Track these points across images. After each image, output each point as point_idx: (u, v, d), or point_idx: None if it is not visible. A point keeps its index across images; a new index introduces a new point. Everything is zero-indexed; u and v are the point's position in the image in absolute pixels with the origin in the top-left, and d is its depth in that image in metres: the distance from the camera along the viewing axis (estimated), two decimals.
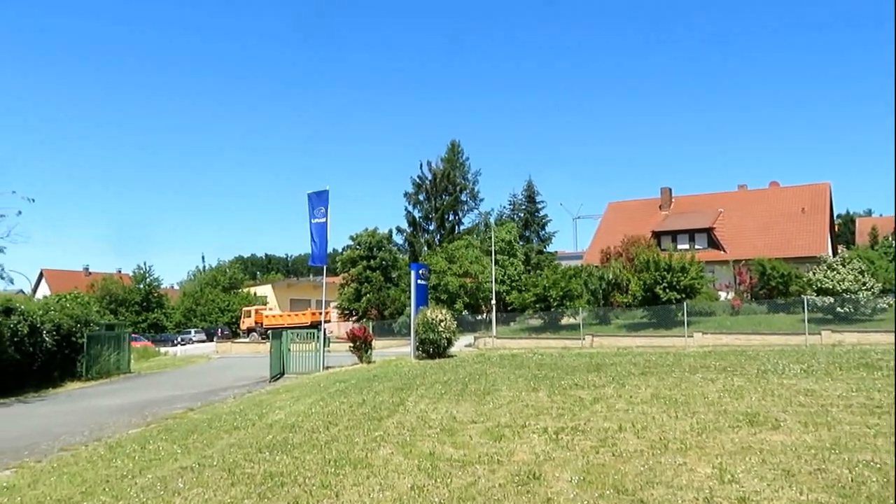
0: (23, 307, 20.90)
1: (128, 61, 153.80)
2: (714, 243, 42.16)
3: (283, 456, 7.88)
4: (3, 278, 19.50)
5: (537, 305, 36.94)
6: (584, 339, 33.44)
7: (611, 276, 36.76)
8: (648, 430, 8.14)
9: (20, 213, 20.05)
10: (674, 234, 43.05)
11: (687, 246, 41.66)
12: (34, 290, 68.41)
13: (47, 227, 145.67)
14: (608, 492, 5.71)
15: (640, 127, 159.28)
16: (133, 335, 55.69)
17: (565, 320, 37.69)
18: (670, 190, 48.64)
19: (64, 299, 24.87)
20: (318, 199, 24.89)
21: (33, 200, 21.54)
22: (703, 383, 12.19)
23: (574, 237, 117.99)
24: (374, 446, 8.13)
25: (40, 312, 21.57)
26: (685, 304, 31.33)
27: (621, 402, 10.50)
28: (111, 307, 61.26)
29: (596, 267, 39.47)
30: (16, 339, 19.85)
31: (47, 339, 21.47)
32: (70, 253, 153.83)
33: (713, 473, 5.99)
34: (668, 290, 33.08)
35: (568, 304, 35.97)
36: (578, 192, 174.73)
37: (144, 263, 68.28)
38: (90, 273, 77.40)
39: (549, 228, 57.80)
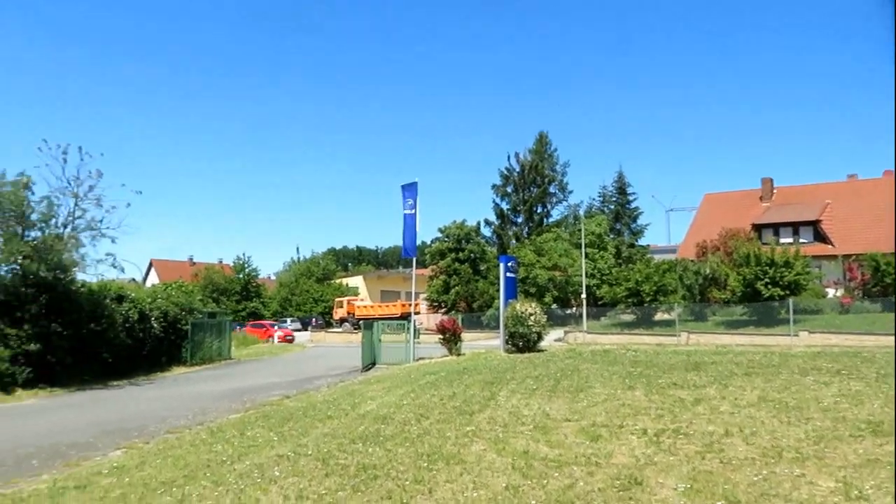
0: (133, 295, 22.16)
1: (229, 61, 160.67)
2: (821, 237, 39.63)
3: (376, 448, 7.89)
4: (115, 267, 20.77)
5: (629, 300, 35.87)
6: (679, 335, 32.24)
7: (707, 271, 35.23)
8: (758, 437, 7.63)
9: (129, 205, 21.35)
10: (776, 227, 40.73)
11: (791, 240, 39.36)
12: (144, 279, 72.73)
13: (156, 220, 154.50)
14: (719, 503, 5.35)
15: (739, 115, 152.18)
16: (240, 322, 58.71)
17: (659, 316, 36.46)
18: (772, 180, 46.06)
19: (170, 288, 26.24)
20: (409, 191, 25.08)
21: (140, 193, 22.95)
22: (816, 387, 11.40)
23: (667, 230, 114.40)
24: (467, 441, 8.01)
25: (149, 300, 22.81)
26: (790, 301, 29.56)
27: (725, 405, 9.95)
28: (213, 296, 64.19)
29: (692, 261, 37.92)
30: (127, 325, 21.08)
31: (155, 325, 22.69)
32: (177, 244, 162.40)
33: (837, 488, 5.49)
34: (770, 287, 31.33)
35: (662, 299, 34.74)
36: (671, 183, 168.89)
37: (244, 254, 71.24)
38: (194, 263, 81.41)
39: (640, 221, 56.16)
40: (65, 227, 19.63)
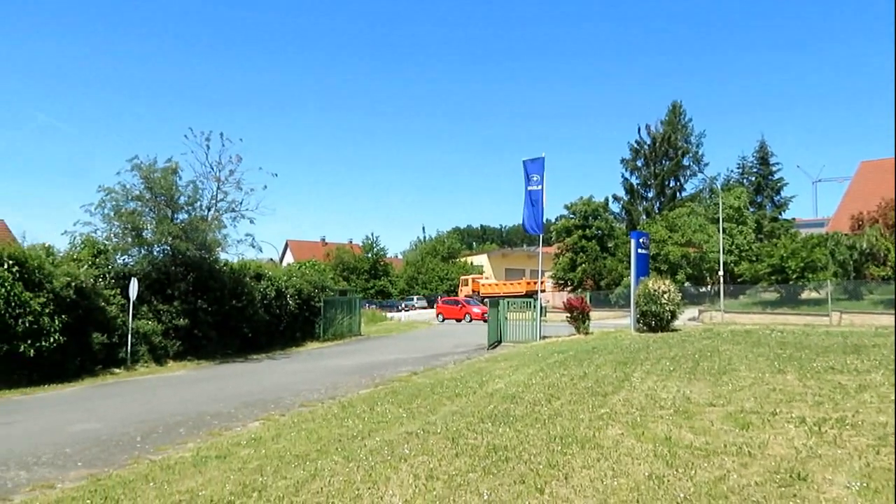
0: (270, 273, 23.23)
1: (351, 50, 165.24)
2: None
3: (506, 428, 7.61)
4: (253, 247, 21.87)
5: (772, 277, 33.48)
6: (829, 315, 29.67)
7: (864, 245, 32.07)
8: None
9: (265, 187, 22.27)
10: None
11: None
12: (281, 259, 76.72)
13: (291, 202, 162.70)
14: None
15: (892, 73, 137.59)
16: (368, 300, 60.74)
17: (805, 295, 33.79)
18: None
19: (304, 266, 27.34)
20: (533, 167, 24.52)
21: (276, 175, 23.89)
22: None
23: (813, 203, 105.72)
24: (602, 425, 7.55)
25: (284, 278, 23.83)
26: None
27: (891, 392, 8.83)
28: (343, 274, 66.70)
29: (845, 235, 34.69)
30: (265, 302, 22.14)
31: (290, 302, 23.70)
32: (310, 225, 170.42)
33: None
34: None
35: (810, 276, 32.12)
36: (820, 153, 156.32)
37: (372, 234, 73.46)
38: (326, 243, 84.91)
39: (784, 193, 52.14)
40: (208, 209, 20.84)
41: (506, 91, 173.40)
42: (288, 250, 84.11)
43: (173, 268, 19.58)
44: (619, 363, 13.30)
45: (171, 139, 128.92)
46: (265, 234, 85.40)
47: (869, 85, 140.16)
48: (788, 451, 6.13)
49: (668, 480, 5.44)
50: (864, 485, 5.07)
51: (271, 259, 59.39)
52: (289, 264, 30.62)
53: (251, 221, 21.53)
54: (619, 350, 15.97)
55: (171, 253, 19.94)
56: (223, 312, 19.85)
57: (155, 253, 20.33)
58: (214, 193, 21.14)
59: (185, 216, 20.79)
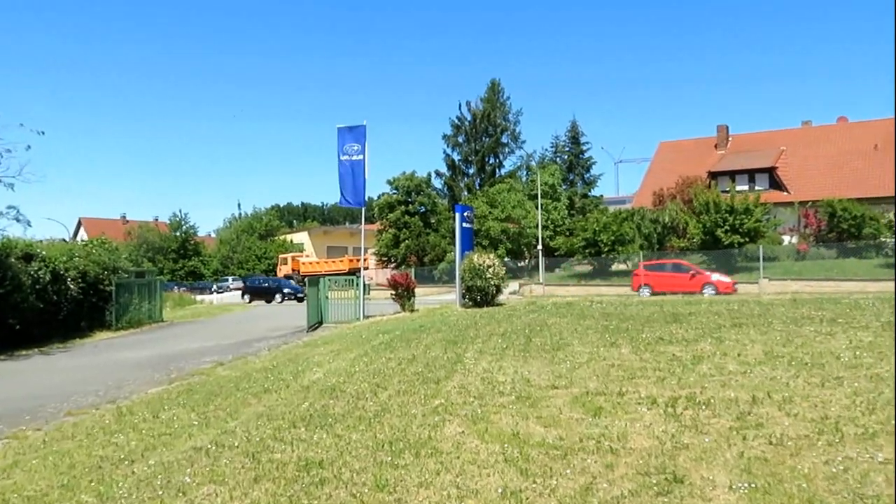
0: (44, 253, 19.56)
1: (165, 8, 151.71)
2: (776, 184, 39.09)
3: (323, 434, 6.18)
4: (18, 221, 18.12)
5: (586, 251, 34.78)
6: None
7: (667, 220, 34.31)
8: (795, 404, 6.22)
9: (29, 147, 18.41)
10: (732, 175, 39.90)
11: (746, 187, 38.64)
12: (73, 239, 68.33)
13: (86, 177, 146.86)
14: None
15: (692, 62, 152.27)
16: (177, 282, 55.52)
17: (615, 266, 35.56)
18: (727, 128, 45.25)
19: (90, 245, 23.59)
20: (351, 135, 22.92)
21: (43, 133, 19.75)
22: (821, 339, 10.17)
23: (615, 182, 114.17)
24: (438, 421, 6.37)
25: (63, 259, 20.19)
26: (760, 247, 28.64)
27: (731, 363, 8.58)
28: (148, 255, 60.75)
29: (649, 210, 36.97)
30: (37, 287, 18.54)
31: (72, 286, 20.16)
32: (109, 202, 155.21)
33: None
34: (730, 234, 30.69)
35: (620, 249, 33.72)
36: (624, 133, 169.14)
37: (180, 211, 67.40)
38: (127, 221, 77.01)
39: (593, 171, 54.90)
40: None
41: (324, 64, 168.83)
42: (82, 229, 75.37)
43: None
44: (449, 342, 12.33)
45: None
46: (54, 212, 75.80)
47: (670, 69, 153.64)
48: (652, 444, 5.30)
49: (527, 497, 4.33)
50: (750, 484, 4.27)
51: (63, 239, 52.38)
52: (70, 242, 26.38)
53: (11, 188, 17.83)
54: (448, 327, 15.08)
55: None
56: None
57: None
58: None
59: None
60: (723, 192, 34.09)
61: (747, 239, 30.62)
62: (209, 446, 6.00)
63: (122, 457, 5.96)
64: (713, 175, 40.19)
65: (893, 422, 5.89)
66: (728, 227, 30.53)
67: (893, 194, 31.56)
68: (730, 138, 45.07)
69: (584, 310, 17.97)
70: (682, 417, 6.02)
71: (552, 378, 8.25)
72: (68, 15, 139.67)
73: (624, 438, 5.46)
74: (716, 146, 44.73)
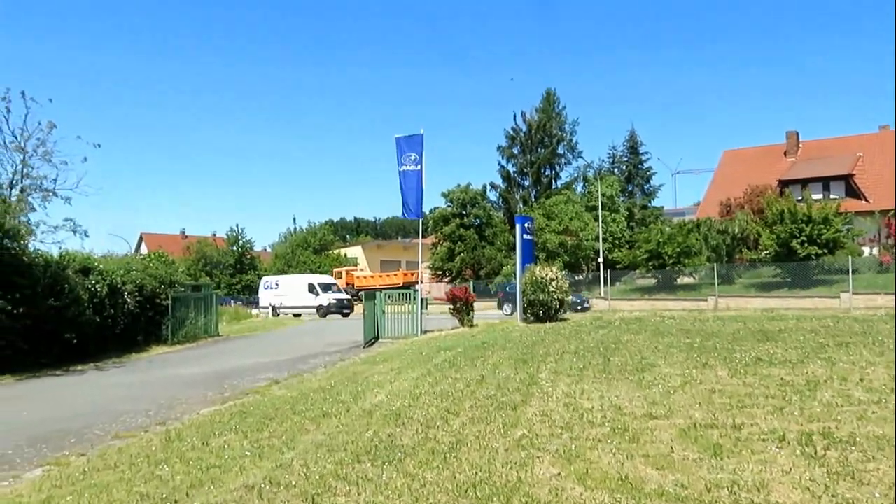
0: (101, 266, 19.40)
1: (219, 23, 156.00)
2: (854, 192, 36.86)
3: (392, 471, 5.31)
4: (75, 233, 17.97)
5: (650, 263, 33.31)
6: (707, 300, 29.78)
7: (736, 230, 32.60)
8: None
9: (86, 159, 18.37)
10: (804, 183, 37.80)
11: (820, 196, 36.60)
12: (135, 253, 69.93)
13: (148, 193, 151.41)
14: None
15: (756, 68, 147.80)
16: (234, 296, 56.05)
17: (681, 280, 33.98)
18: (797, 134, 43.10)
19: (147, 259, 23.46)
20: (409, 145, 22.26)
21: (99, 146, 19.77)
22: None
23: (673, 193, 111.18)
24: (525, 458, 5.42)
25: (121, 272, 20.03)
26: (850, 259, 26.65)
27: (857, 390, 7.39)
28: (206, 269, 61.60)
29: (716, 220, 35.28)
30: (95, 301, 18.33)
31: (129, 300, 19.94)
32: (169, 218, 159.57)
33: None
34: (806, 245, 28.82)
35: (686, 261, 32.18)
36: (677, 145, 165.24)
37: (237, 225, 68.31)
38: (186, 236, 78.53)
39: (653, 182, 53.26)
40: (11, 186, 16.91)
41: (379, 79, 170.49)
42: (143, 244, 77.08)
43: None
44: (518, 361, 11.38)
45: None
46: (115, 227, 77.93)
47: (731, 75, 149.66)
48: (803, 497, 4.25)
49: None
50: None
51: (126, 255, 53.49)
52: (127, 255, 26.42)
53: (67, 201, 17.69)
54: (513, 345, 14.12)
55: None
56: (36, 315, 15.94)
57: None
58: (18, 168, 17.15)
59: None
60: (798, 201, 32.22)
61: (825, 250, 28.73)
62: (262, 484, 5.19)
63: (165, 496, 5.20)
64: (783, 183, 38.22)
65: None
66: (804, 238, 28.70)
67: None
68: (800, 145, 42.90)
69: (657, 326, 16.78)
70: (827, 460, 4.94)
71: (646, 405, 7.22)
72: (129, 32, 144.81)
73: (763, 489, 4.42)
74: (785, 153, 42.64)
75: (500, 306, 32.71)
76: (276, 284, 42.09)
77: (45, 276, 16.70)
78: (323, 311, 21.13)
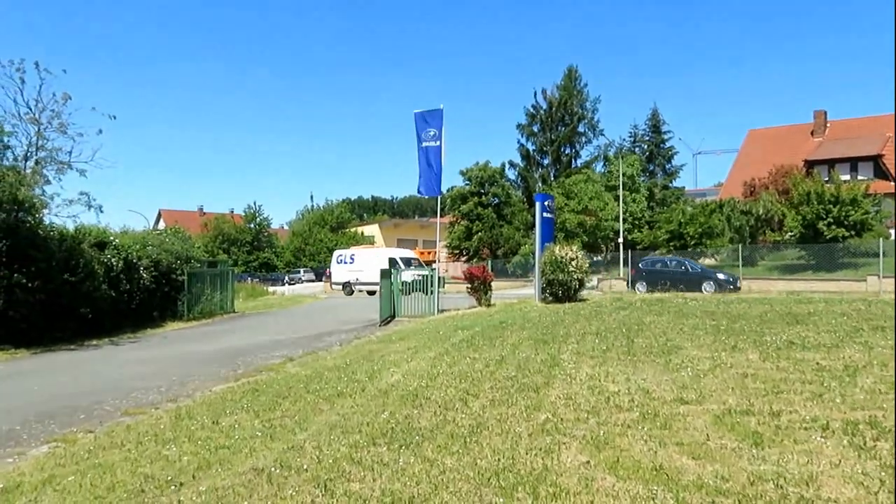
0: (117, 241, 19.24)
1: (229, 3, 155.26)
2: (882, 173, 35.93)
3: (410, 456, 5.01)
4: (91, 208, 17.74)
5: (671, 244, 32.73)
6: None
7: (760, 211, 31.88)
8: None
9: (101, 131, 17.95)
10: (832, 163, 36.90)
11: (848, 176, 35.69)
12: (153, 229, 70.19)
13: (167, 170, 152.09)
14: None
15: (782, 46, 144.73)
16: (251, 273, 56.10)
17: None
18: (825, 113, 41.98)
19: (164, 234, 23.33)
20: (429, 120, 21.83)
21: (114, 118, 19.08)
22: None
23: (694, 174, 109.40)
24: (551, 444, 5.11)
25: (137, 247, 19.87)
26: (881, 241, 25.69)
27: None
28: (223, 246, 61.71)
29: (740, 201, 34.54)
30: (111, 275, 18.20)
31: (145, 275, 19.79)
32: (188, 195, 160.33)
33: None
34: (833, 227, 28.06)
35: (708, 242, 31.56)
36: (699, 125, 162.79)
37: (254, 203, 68.42)
38: (204, 213, 78.75)
39: (674, 162, 52.26)
40: (26, 159, 16.73)
41: (399, 55, 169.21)
42: (161, 221, 77.42)
43: None
44: (538, 341, 11.05)
45: None
46: (135, 204, 78.30)
47: (756, 53, 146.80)
48: (856, 493, 3.91)
49: None
50: None
51: (143, 228, 53.56)
52: (145, 230, 26.31)
53: (82, 174, 17.42)
54: (532, 325, 13.78)
55: None
56: (51, 289, 15.80)
57: None
58: (33, 140, 16.93)
59: None
60: (824, 181, 31.40)
61: (852, 232, 27.99)
62: (272, 468, 4.92)
63: (171, 477, 4.95)
64: (810, 164, 37.34)
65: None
66: (831, 220, 27.95)
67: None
68: (828, 124, 41.83)
69: (680, 307, 16.36)
70: (878, 452, 4.57)
71: (676, 389, 6.87)
72: (149, 8, 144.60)
73: (813, 483, 4.06)
74: (812, 133, 41.62)
75: (631, 285, 28.28)
76: (352, 258, 37.28)
77: (60, 250, 16.57)
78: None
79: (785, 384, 6.90)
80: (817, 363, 7.92)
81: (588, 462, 4.65)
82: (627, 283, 28.82)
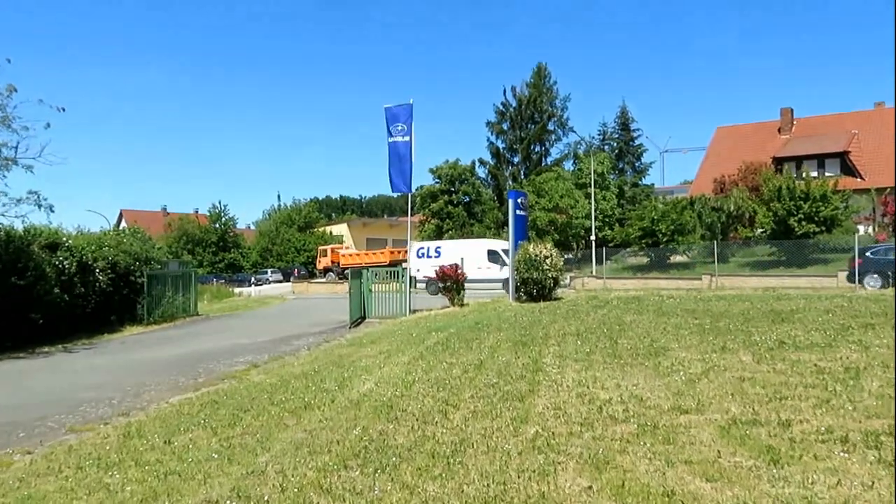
0: (70, 242, 18.22)
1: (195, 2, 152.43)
2: (849, 169, 36.14)
3: (387, 481, 4.42)
4: (40, 207, 16.66)
5: (643, 241, 32.50)
6: (701, 278, 29.03)
7: (731, 208, 31.83)
8: None
9: (48, 125, 16.83)
10: (799, 160, 37.07)
11: (815, 173, 35.87)
12: (113, 230, 68.16)
13: (129, 170, 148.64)
14: None
15: (750, 44, 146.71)
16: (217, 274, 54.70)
17: (674, 258, 33.22)
18: (791, 111, 42.23)
19: (121, 234, 22.25)
20: (398, 115, 21.15)
21: (63, 110, 17.91)
22: None
23: (661, 172, 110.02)
24: (544, 464, 4.54)
25: (91, 248, 18.84)
26: (856, 236, 25.56)
27: None
28: (188, 247, 60.20)
29: (710, 198, 34.50)
30: (63, 279, 17.19)
31: (101, 277, 18.77)
32: (151, 195, 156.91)
33: None
34: (803, 223, 28.07)
35: (679, 239, 31.39)
36: (666, 123, 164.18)
37: (220, 202, 66.84)
38: (168, 213, 76.80)
39: (644, 159, 52.28)
40: None
41: (367, 54, 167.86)
42: (122, 221, 75.32)
43: None
44: (518, 343, 10.53)
45: None
46: (96, 204, 76.09)
47: (724, 51, 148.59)
48: None
49: None
50: None
51: (101, 229, 51.66)
52: (101, 231, 25.11)
53: (29, 170, 16.36)
54: (508, 325, 13.26)
55: None
56: None
57: None
58: None
59: None
60: (794, 177, 31.49)
61: (823, 228, 28.03)
62: (228, 500, 4.27)
63: None
64: (778, 161, 37.44)
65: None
66: (802, 216, 27.97)
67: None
68: (794, 122, 42.10)
69: (658, 305, 15.99)
70: None
71: (671, 396, 6.38)
72: (115, 6, 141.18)
73: None
74: (779, 130, 41.83)
75: (858, 279, 22.03)
76: (437, 252, 31.91)
77: (7, 252, 15.56)
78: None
79: (786, 389, 6.45)
80: (815, 365, 7.51)
81: (590, 487, 4.10)
82: (849, 277, 23.04)
